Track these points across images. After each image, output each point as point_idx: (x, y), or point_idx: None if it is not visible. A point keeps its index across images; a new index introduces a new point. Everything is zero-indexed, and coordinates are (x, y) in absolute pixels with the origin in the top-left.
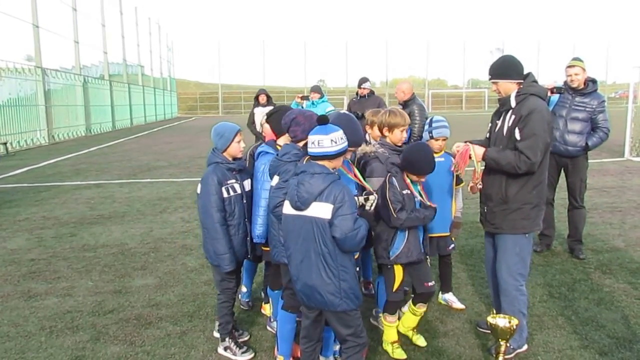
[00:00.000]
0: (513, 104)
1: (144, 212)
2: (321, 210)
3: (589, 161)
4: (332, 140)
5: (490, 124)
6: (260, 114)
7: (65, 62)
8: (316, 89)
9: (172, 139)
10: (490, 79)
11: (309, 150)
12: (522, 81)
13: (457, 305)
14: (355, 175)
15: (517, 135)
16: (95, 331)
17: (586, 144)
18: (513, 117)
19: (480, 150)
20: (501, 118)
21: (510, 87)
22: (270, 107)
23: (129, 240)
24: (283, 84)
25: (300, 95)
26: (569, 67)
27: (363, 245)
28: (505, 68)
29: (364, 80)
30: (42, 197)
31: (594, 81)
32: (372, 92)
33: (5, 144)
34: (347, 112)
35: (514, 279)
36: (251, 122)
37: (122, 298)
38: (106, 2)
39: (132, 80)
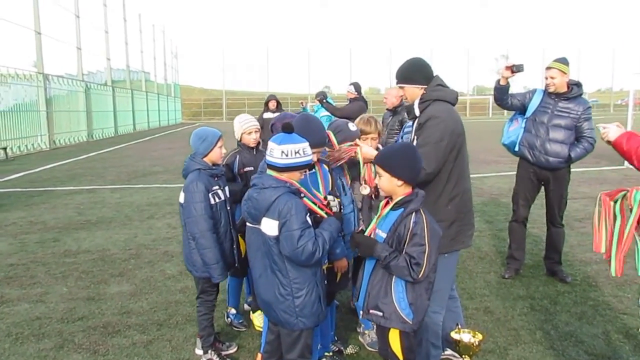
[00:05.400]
0: (417, 112)
1: (132, 217)
2: (268, 226)
3: (581, 170)
4: (282, 152)
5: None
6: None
7: (70, 68)
8: (317, 95)
9: (172, 145)
10: (397, 83)
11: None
12: (427, 86)
13: None
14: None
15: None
16: (60, 339)
17: (569, 155)
18: (416, 126)
19: (371, 152)
20: (412, 127)
21: (416, 93)
22: (279, 113)
23: (111, 246)
24: (287, 91)
25: (301, 102)
26: (547, 68)
27: (319, 259)
28: (411, 72)
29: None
30: (32, 202)
31: (578, 85)
32: (355, 99)
33: (5, 148)
34: (308, 113)
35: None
36: (260, 128)
37: (94, 305)
38: (110, 9)
39: (135, 86)
